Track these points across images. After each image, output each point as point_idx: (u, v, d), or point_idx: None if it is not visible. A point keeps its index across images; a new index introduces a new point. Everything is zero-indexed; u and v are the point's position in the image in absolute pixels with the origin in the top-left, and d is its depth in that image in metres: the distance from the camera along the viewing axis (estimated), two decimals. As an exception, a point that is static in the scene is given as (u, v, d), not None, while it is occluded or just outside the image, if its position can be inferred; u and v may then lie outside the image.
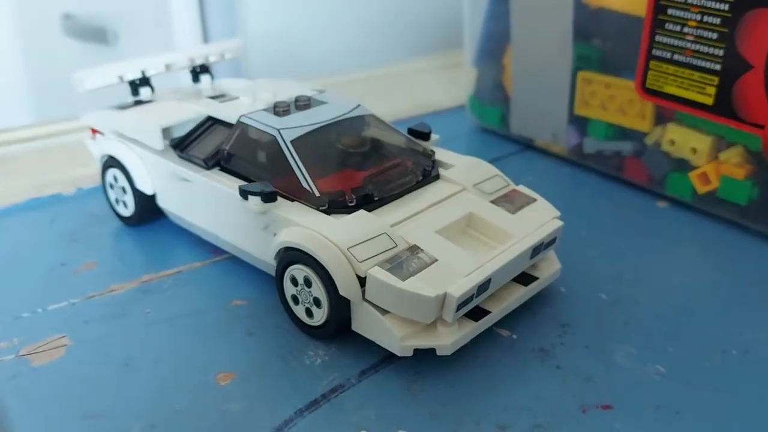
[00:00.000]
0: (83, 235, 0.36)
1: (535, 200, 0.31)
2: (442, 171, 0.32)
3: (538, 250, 0.29)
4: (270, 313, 0.30)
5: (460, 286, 0.25)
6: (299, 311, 0.28)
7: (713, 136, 0.37)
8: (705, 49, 0.35)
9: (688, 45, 0.36)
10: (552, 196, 0.31)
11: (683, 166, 0.38)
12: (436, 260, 0.26)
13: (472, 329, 0.27)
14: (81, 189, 0.41)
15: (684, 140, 0.38)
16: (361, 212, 0.28)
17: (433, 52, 0.69)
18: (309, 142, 0.30)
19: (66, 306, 0.31)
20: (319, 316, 0.27)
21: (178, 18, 0.69)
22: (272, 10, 0.67)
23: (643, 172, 0.41)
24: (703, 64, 0.36)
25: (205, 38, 0.70)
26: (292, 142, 0.29)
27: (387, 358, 0.27)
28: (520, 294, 0.29)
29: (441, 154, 0.33)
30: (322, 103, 0.33)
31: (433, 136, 0.34)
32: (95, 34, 0.80)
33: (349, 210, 0.28)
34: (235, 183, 0.30)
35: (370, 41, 0.72)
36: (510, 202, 0.31)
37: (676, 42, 0.36)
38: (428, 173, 0.31)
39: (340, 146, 0.31)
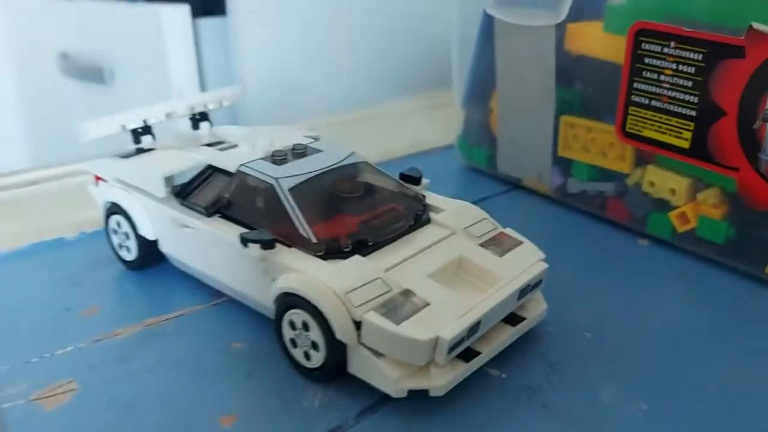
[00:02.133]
0: (86, 279, 0.38)
1: (521, 243, 0.33)
2: (432, 215, 0.34)
3: (525, 291, 0.30)
4: (269, 356, 0.31)
5: (451, 329, 0.26)
6: (297, 354, 0.29)
7: (691, 177, 0.39)
8: (681, 96, 0.37)
9: (665, 92, 0.38)
10: (538, 234, 0.33)
11: (663, 206, 0.40)
12: (429, 304, 0.27)
13: (463, 370, 0.28)
14: (83, 233, 0.43)
15: (663, 182, 0.40)
16: (357, 258, 0.29)
17: (423, 92, 0.72)
18: (306, 190, 0.31)
19: (72, 350, 0.32)
20: (317, 359, 0.29)
21: (175, 57, 0.71)
22: (266, 51, 0.69)
23: (625, 211, 0.42)
24: (679, 110, 0.38)
25: (201, 77, 0.72)
26: (289, 190, 0.31)
27: (383, 399, 0.28)
28: (509, 334, 0.30)
29: (431, 198, 0.35)
30: (318, 151, 0.35)
31: (424, 181, 0.36)
32: (92, 74, 0.82)
33: (345, 255, 0.29)
34: (235, 230, 0.31)
35: (360, 83, 0.74)
36: (498, 245, 0.32)
37: (653, 89, 0.38)
38: (419, 217, 0.33)
39: (336, 193, 0.32)
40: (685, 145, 0.38)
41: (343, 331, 0.27)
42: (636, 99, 0.39)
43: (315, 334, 0.28)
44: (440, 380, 0.27)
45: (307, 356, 0.29)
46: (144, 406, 0.28)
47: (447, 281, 0.30)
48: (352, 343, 0.27)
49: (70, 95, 0.87)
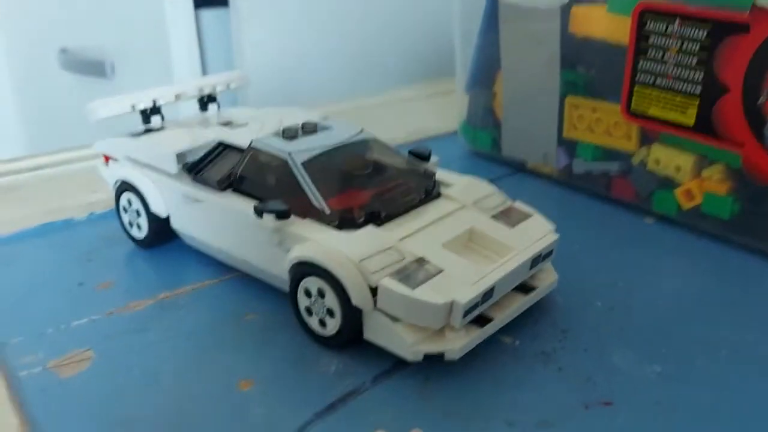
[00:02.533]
0: (98, 256, 0.38)
1: (531, 215, 0.33)
2: (443, 189, 0.34)
3: (536, 261, 0.31)
4: (283, 326, 0.31)
5: (466, 293, 0.27)
6: (313, 322, 0.30)
7: (696, 154, 0.39)
8: (685, 73, 0.38)
9: (670, 70, 0.38)
10: (545, 214, 0.33)
11: (668, 183, 0.41)
12: (442, 271, 0.28)
13: (478, 335, 0.28)
14: (93, 213, 0.43)
15: (668, 159, 0.40)
16: (370, 227, 0.30)
17: (425, 80, 0.72)
18: (318, 164, 0.32)
19: (87, 322, 0.32)
20: (333, 326, 0.29)
21: (177, 49, 0.71)
22: (267, 41, 0.70)
23: (631, 190, 0.43)
24: (684, 87, 0.38)
25: (204, 69, 0.72)
26: (303, 164, 0.31)
27: (397, 364, 0.29)
28: (521, 302, 0.31)
29: (441, 174, 0.35)
30: (328, 128, 0.35)
31: (433, 158, 0.36)
32: (93, 68, 0.82)
33: (358, 226, 0.30)
34: (248, 203, 0.32)
35: (363, 71, 0.74)
36: (508, 217, 0.33)
37: (658, 68, 0.39)
38: (430, 192, 0.33)
39: (347, 168, 0.33)
40: (690, 122, 0.38)
41: (359, 297, 0.27)
42: (641, 78, 0.40)
43: (331, 301, 0.28)
44: (455, 344, 0.27)
45: (323, 324, 0.29)
46: (162, 372, 0.28)
47: (459, 251, 0.30)
48: (369, 308, 0.28)
49: (71, 90, 0.87)
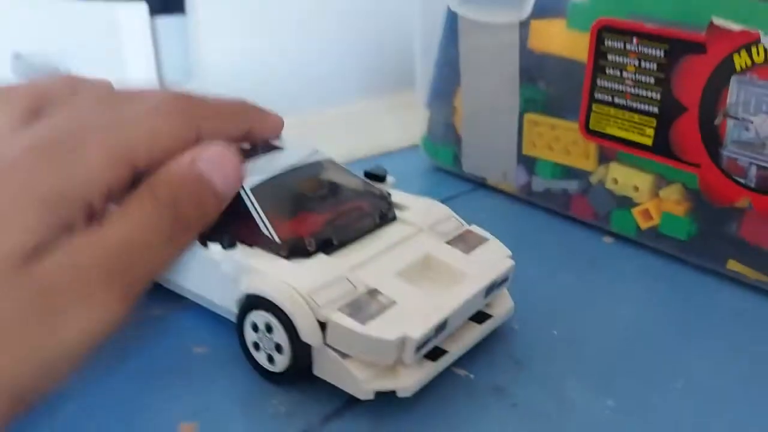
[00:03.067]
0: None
1: (487, 240, 0.33)
2: (398, 213, 0.33)
3: (492, 288, 0.30)
4: (231, 360, 0.30)
5: (418, 327, 0.26)
6: (260, 358, 0.29)
7: (654, 174, 0.39)
8: (643, 92, 0.37)
9: (628, 89, 0.38)
10: (503, 233, 0.33)
11: (626, 203, 0.40)
12: (395, 302, 0.27)
13: (431, 369, 0.27)
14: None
15: (626, 179, 0.40)
16: (321, 257, 0.29)
17: (387, 93, 0.71)
18: (268, 189, 0.30)
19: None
20: (281, 362, 0.28)
21: (132, 56, 0.69)
22: (226, 50, 0.68)
23: (589, 209, 0.42)
24: (641, 106, 0.38)
25: (159, 76, 0.70)
26: (252, 189, 0.30)
27: (349, 402, 0.28)
28: (476, 332, 0.30)
29: (397, 196, 0.35)
30: (279, 149, 0.34)
31: (389, 179, 0.36)
32: (46, 73, 0.80)
33: (309, 255, 0.29)
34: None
35: (323, 82, 0.73)
36: (464, 242, 0.32)
37: (616, 86, 0.39)
38: (385, 215, 0.32)
39: (299, 191, 0.31)
40: (648, 141, 0.38)
41: (308, 332, 0.26)
42: (599, 96, 0.39)
43: (279, 336, 0.27)
44: (408, 380, 0.26)
45: (271, 359, 0.28)
46: (100, 411, 0.27)
47: (413, 279, 0.29)
48: (318, 344, 0.26)
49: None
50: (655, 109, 0.37)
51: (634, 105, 0.38)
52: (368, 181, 0.35)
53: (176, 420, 0.27)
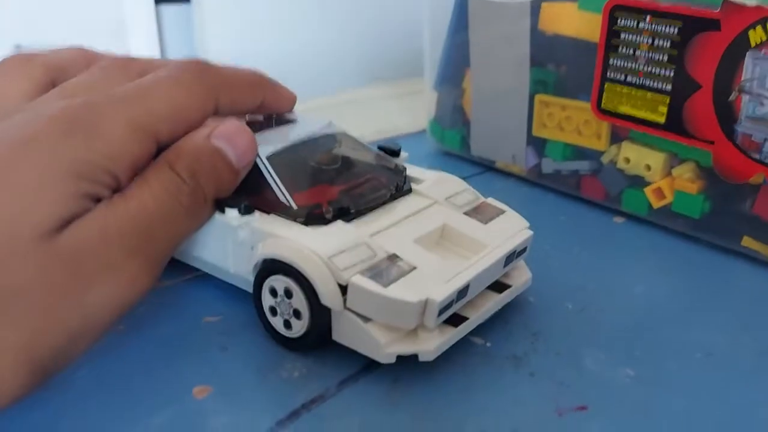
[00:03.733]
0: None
1: (504, 211, 0.32)
2: (413, 185, 0.33)
3: (511, 258, 0.30)
4: (243, 328, 0.30)
5: (441, 291, 0.26)
6: (277, 323, 0.28)
7: (666, 153, 0.39)
8: (656, 70, 0.37)
9: (641, 67, 0.38)
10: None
11: (638, 182, 0.40)
12: (415, 268, 0.27)
13: (452, 335, 0.27)
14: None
15: (638, 158, 0.40)
16: (339, 223, 0.28)
17: (394, 79, 0.71)
18: (284, 158, 0.30)
19: (32, 327, 0.30)
20: (299, 327, 0.27)
21: (136, 46, 0.69)
22: (231, 38, 0.68)
23: (600, 189, 0.42)
24: (654, 84, 0.38)
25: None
26: (268, 157, 0.29)
27: (365, 368, 0.27)
28: (495, 301, 0.30)
29: (412, 170, 0.34)
30: (295, 121, 0.34)
31: (403, 154, 0.35)
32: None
33: (327, 222, 0.28)
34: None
35: (330, 69, 0.73)
36: (481, 213, 0.32)
37: (628, 64, 0.38)
38: (401, 187, 0.32)
39: (315, 162, 0.31)
40: (661, 119, 0.38)
41: (328, 296, 0.26)
42: (611, 75, 0.39)
43: (298, 300, 0.27)
44: (429, 344, 0.26)
45: (288, 325, 0.28)
46: (112, 378, 0.27)
47: (432, 248, 0.29)
48: (338, 308, 0.26)
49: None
50: (669, 87, 0.37)
51: (647, 83, 0.38)
52: (383, 154, 0.34)
53: (189, 385, 0.26)
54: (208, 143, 0.27)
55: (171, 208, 0.25)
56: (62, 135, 0.24)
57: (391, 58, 0.74)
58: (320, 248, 0.26)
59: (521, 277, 0.31)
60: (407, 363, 0.26)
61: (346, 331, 0.27)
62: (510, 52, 0.45)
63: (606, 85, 0.40)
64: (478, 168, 0.49)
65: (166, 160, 0.26)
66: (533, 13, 0.43)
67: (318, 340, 0.27)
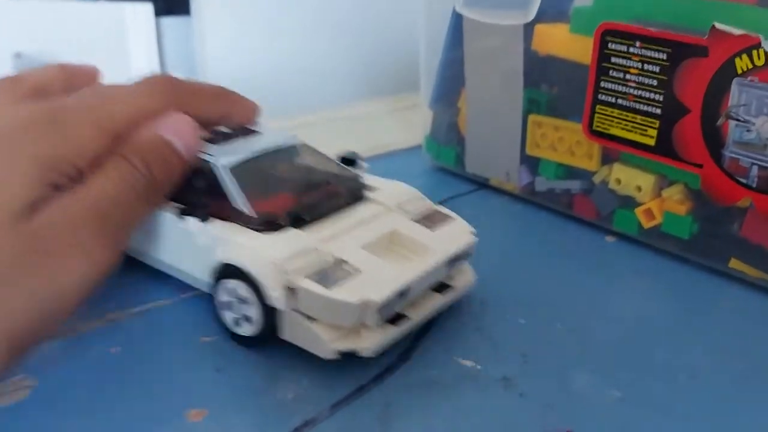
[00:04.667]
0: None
1: (453, 218, 0.35)
2: (368, 193, 0.35)
3: (453, 261, 0.32)
4: (239, 349, 0.30)
5: (380, 292, 0.27)
6: (230, 322, 0.30)
7: (656, 174, 0.39)
8: (646, 94, 0.38)
9: (631, 90, 0.39)
10: (506, 232, 0.33)
11: (629, 203, 0.41)
12: (360, 271, 0.29)
13: (393, 333, 0.29)
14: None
15: (629, 179, 0.40)
16: (292, 230, 0.30)
17: (391, 94, 0.72)
18: (245, 169, 0.32)
19: (32, 346, 0.30)
20: (250, 326, 0.29)
21: (136, 57, 0.69)
22: (230, 51, 0.69)
23: (592, 209, 0.43)
24: (644, 108, 0.38)
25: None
26: (229, 169, 0.31)
27: (358, 390, 0.28)
28: (437, 301, 0.32)
29: (370, 179, 0.36)
30: (258, 133, 0.35)
31: (363, 164, 0.37)
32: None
33: (281, 229, 0.30)
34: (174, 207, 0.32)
35: (327, 84, 0.73)
36: (430, 220, 0.34)
37: (619, 87, 0.39)
38: (356, 195, 0.34)
39: (275, 172, 0.33)
40: (651, 142, 0.38)
41: (276, 297, 0.28)
42: (603, 97, 0.40)
43: (250, 301, 0.29)
44: (369, 342, 0.28)
45: (241, 323, 0.30)
46: (106, 400, 0.27)
47: (380, 253, 0.31)
48: (286, 308, 0.28)
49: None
50: (658, 111, 0.38)
51: (637, 106, 0.39)
52: (342, 164, 0.36)
53: (183, 407, 0.27)
54: (157, 136, 0.29)
55: (128, 194, 0.28)
56: (34, 132, 0.27)
57: (389, 72, 0.74)
58: (271, 253, 0.28)
59: (465, 278, 0.34)
60: (400, 386, 0.27)
61: (293, 330, 0.29)
62: (504, 72, 0.45)
63: (597, 108, 0.40)
64: (473, 185, 0.50)
65: (122, 153, 0.29)
66: (527, 33, 0.44)
67: (267, 337, 0.29)
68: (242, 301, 0.29)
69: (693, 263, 0.39)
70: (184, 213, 0.31)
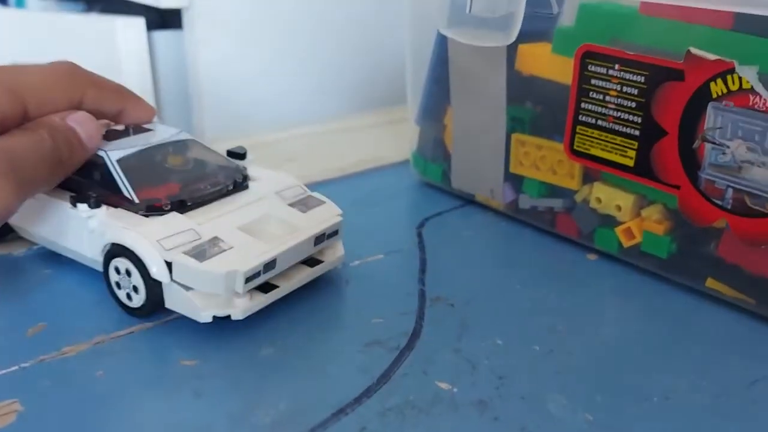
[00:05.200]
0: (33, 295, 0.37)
1: (324, 202, 0.39)
2: (250, 183, 0.39)
3: (321, 239, 0.36)
4: (219, 372, 0.31)
5: (246, 264, 0.32)
6: (122, 295, 0.35)
7: (636, 194, 0.40)
8: (625, 116, 0.39)
9: (610, 112, 0.39)
10: (490, 249, 0.33)
11: (610, 221, 0.41)
12: (232, 248, 0.33)
13: (261, 300, 0.34)
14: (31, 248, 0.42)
15: (609, 198, 0.41)
16: (173, 214, 0.34)
17: (379, 108, 0.72)
18: (133, 161, 0.36)
19: (17, 370, 0.31)
20: (138, 298, 0.34)
21: (128, 70, 0.70)
22: (221, 65, 0.69)
23: (574, 227, 0.44)
24: (623, 129, 0.39)
25: (156, 90, 0.71)
26: (117, 161, 0.35)
27: (334, 414, 0.28)
28: (306, 273, 0.36)
29: (254, 170, 0.40)
30: (150, 130, 0.39)
31: (249, 157, 0.41)
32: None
33: (164, 213, 0.34)
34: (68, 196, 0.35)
35: (316, 98, 0.74)
36: (304, 204, 0.38)
37: (599, 109, 0.40)
38: (238, 184, 0.38)
39: (162, 164, 0.37)
40: (630, 163, 0.39)
41: (157, 271, 0.32)
42: (583, 118, 0.41)
43: (135, 277, 0.33)
44: (240, 307, 0.32)
45: (129, 297, 0.34)
46: (90, 425, 0.28)
47: (252, 232, 0.35)
48: (166, 280, 0.32)
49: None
50: (637, 132, 0.38)
51: (617, 128, 0.39)
52: (228, 158, 0.40)
53: None
54: (64, 122, 0.33)
55: (35, 154, 0.31)
56: None
57: (377, 86, 0.75)
58: (151, 233, 0.32)
59: (335, 254, 0.38)
60: (375, 410, 0.28)
61: (174, 299, 0.33)
62: (488, 91, 0.46)
63: (578, 128, 0.41)
64: (459, 201, 0.51)
65: (31, 124, 0.32)
66: (510, 53, 0.44)
67: (154, 307, 0.33)
68: (129, 274, 0.33)
69: (671, 282, 0.40)
70: (76, 200, 0.34)
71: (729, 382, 0.32)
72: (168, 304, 0.33)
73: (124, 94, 0.37)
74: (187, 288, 0.32)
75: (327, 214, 0.37)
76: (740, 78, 0.34)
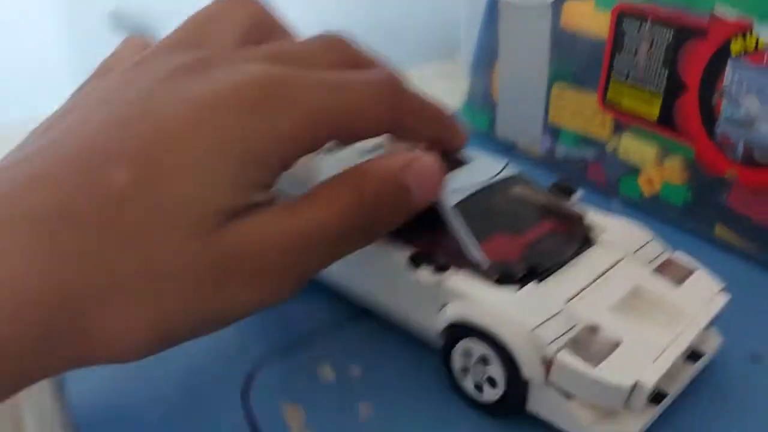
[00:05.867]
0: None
1: (695, 270, 0.30)
2: (596, 235, 0.31)
3: (708, 327, 0.29)
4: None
5: (650, 374, 0.25)
6: (468, 386, 0.28)
7: (659, 146, 0.43)
8: (653, 71, 0.42)
9: (640, 67, 0.42)
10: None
11: (635, 171, 0.45)
12: (620, 342, 0.25)
13: (653, 413, 0.26)
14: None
15: (635, 149, 0.44)
16: (532, 286, 0.27)
17: (432, 60, 0.76)
18: (469, 207, 0.28)
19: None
20: (491, 394, 0.27)
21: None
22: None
23: (602, 175, 0.47)
24: (651, 84, 0.42)
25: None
26: (454, 206, 0.28)
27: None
28: (690, 372, 0.28)
29: (590, 215, 0.32)
30: (466, 161, 0.31)
31: (577, 194, 0.33)
32: (144, 29, 0.88)
33: (517, 282, 0.27)
34: (398, 248, 0.29)
35: (375, 48, 0.78)
36: (671, 272, 0.30)
37: (630, 64, 0.43)
38: (586, 239, 0.30)
39: (494, 210, 0.30)
40: (655, 116, 0.42)
41: (531, 369, 0.25)
42: (616, 72, 0.44)
43: (495, 369, 0.26)
44: (633, 426, 0.26)
45: (479, 388, 0.27)
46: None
47: (629, 314, 0.27)
48: (539, 382, 0.25)
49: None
50: (662, 87, 0.41)
51: (645, 82, 0.42)
52: (559, 197, 0.33)
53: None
54: (400, 178, 0.25)
55: (346, 229, 0.24)
56: (249, 108, 0.22)
57: (431, 38, 0.79)
58: (522, 317, 0.25)
59: (713, 342, 0.30)
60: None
61: (545, 405, 0.26)
62: (533, 47, 0.49)
63: (611, 81, 0.44)
64: (502, 148, 0.54)
65: (353, 177, 0.24)
66: (555, 11, 0.47)
67: (512, 409, 0.27)
68: (486, 364, 0.26)
69: (686, 229, 0.42)
70: (415, 261, 0.27)
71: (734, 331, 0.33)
72: (532, 407, 0.26)
73: (441, 119, 0.29)
74: (567, 395, 0.25)
75: (707, 291, 0.29)
76: (757, 37, 0.36)
